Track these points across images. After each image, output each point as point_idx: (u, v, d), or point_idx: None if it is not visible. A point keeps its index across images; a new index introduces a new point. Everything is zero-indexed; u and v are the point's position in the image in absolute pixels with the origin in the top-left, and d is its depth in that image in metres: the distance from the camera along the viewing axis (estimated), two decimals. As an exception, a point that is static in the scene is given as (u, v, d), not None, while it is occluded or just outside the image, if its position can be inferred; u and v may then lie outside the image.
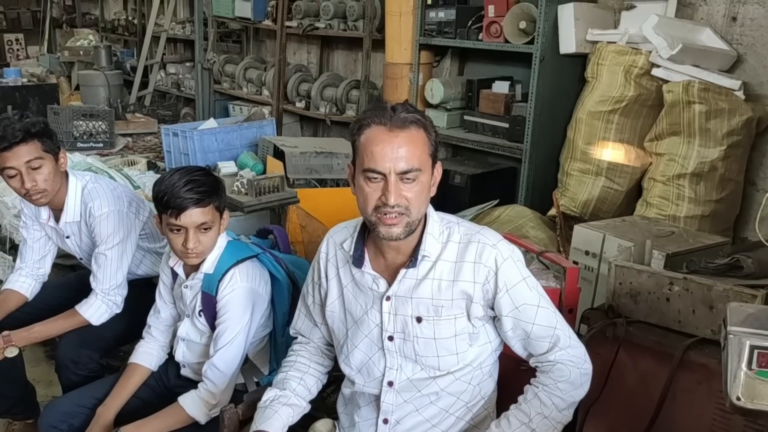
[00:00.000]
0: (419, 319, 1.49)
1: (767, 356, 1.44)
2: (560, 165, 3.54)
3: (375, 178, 1.38)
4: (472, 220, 3.35)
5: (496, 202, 3.46)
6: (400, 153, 1.37)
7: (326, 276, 1.61)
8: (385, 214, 1.39)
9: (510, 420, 1.49)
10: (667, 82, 3.17)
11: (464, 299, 1.47)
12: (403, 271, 1.48)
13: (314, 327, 1.69)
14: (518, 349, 1.55)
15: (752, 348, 1.44)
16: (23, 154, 2.04)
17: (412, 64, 4.07)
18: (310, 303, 1.68)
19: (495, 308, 1.49)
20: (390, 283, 1.51)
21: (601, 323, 2.01)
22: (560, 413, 1.50)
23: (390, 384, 1.53)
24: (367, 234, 1.53)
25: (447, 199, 3.84)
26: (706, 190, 3.08)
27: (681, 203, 3.13)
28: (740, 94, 3.07)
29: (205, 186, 1.77)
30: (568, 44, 3.46)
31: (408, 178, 1.38)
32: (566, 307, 2.05)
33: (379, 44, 4.46)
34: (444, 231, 1.50)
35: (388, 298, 1.50)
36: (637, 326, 2.00)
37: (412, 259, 1.48)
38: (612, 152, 3.35)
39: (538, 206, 3.54)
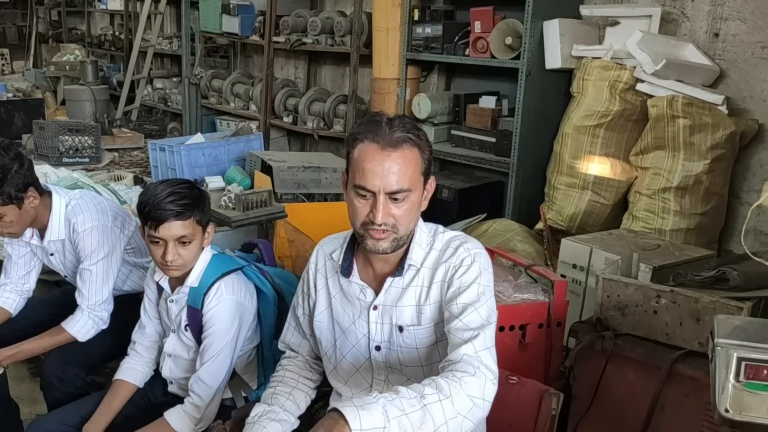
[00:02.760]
0: (401, 329, 1.49)
1: (755, 368, 1.45)
2: (547, 179, 3.57)
3: (364, 195, 1.39)
4: (460, 234, 3.36)
5: (484, 216, 3.48)
6: (390, 173, 1.36)
7: (315, 286, 1.62)
8: (372, 231, 1.40)
9: (399, 389, 1.26)
10: (651, 96, 3.21)
11: (438, 302, 1.47)
12: (389, 280, 1.49)
13: (303, 339, 1.69)
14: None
15: (740, 360, 1.45)
16: None
17: (399, 79, 4.10)
18: (300, 314, 1.67)
19: (443, 300, 1.46)
20: (377, 293, 1.51)
21: (589, 336, 2.01)
22: (454, 409, 1.25)
23: None
24: (356, 244, 1.54)
25: (435, 213, 3.80)
26: (691, 204, 3.11)
27: (666, 216, 3.15)
28: (723, 108, 3.11)
29: (187, 199, 1.76)
30: (553, 59, 3.49)
31: (397, 198, 1.38)
32: (554, 321, 2.07)
33: (366, 59, 4.48)
34: (429, 241, 1.51)
35: (375, 308, 1.51)
36: (625, 339, 2.01)
37: (398, 269, 1.48)
38: (598, 166, 3.38)
39: (525, 220, 3.56)
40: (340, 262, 1.55)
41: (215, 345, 1.82)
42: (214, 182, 3.43)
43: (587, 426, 2.06)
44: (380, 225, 1.38)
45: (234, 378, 1.95)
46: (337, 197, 3.52)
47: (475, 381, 1.29)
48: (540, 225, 3.40)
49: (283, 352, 1.74)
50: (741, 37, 3.18)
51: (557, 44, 3.45)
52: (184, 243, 1.78)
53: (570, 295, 2.62)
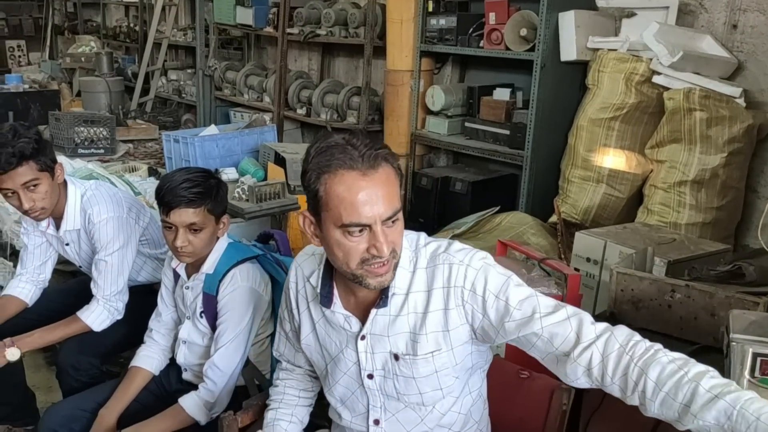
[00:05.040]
0: (396, 357, 1.37)
1: (770, 364, 1.44)
2: (561, 172, 3.54)
3: (358, 232, 1.22)
4: (472, 227, 3.36)
5: (497, 209, 3.46)
6: (381, 197, 1.21)
7: (297, 308, 1.50)
8: (375, 266, 1.25)
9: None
10: (667, 89, 3.18)
11: (440, 331, 1.33)
12: (373, 312, 1.35)
13: (297, 352, 1.59)
14: (543, 353, 1.30)
15: (755, 355, 1.44)
16: (19, 176, 2.02)
17: (413, 71, 4.08)
18: (287, 330, 1.57)
19: (490, 322, 1.31)
20: (363, 322, 1.38)
21: (602, 330, 2.00)
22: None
23: (376, 422, 1.45)
24: (333, 269, 1.38)
25: (448, 207, 3.85)
26: (707, 197, 3.08)
27: (682, 210, 3.12)
28: (741, 101, 3.07)
29: (200, 187, 1.78)
30: (569, 51, 3.46)
31: (392, 222, 1.24)
32: (568, 314, 2.05)
33: (380, 51, 4.47)
34: (412, 258, 1.35)
35: (363, 338, 1.38)
36: (640, 333, 2.00)
37: (382, 297, 1.33)
38: (613, 159, 3.35)
39: (539, 213, 3.54)
40: (318, 290, 1.40)
41: (230, 331, 1.84)
42: (227, 174, 3.44)
43: (599, 421, 2.05)
44: (384, 257, 1.24)
45: (248, 365, 1.96)
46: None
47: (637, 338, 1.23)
48: (554, 218, 3.39)
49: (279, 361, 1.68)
50: (760, 28, 3.14)
51: (572, 36, 3.42)
52: (194, 230, 1.80)
53: (583, 288, 2.60)
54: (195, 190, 1.77)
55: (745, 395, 1.08)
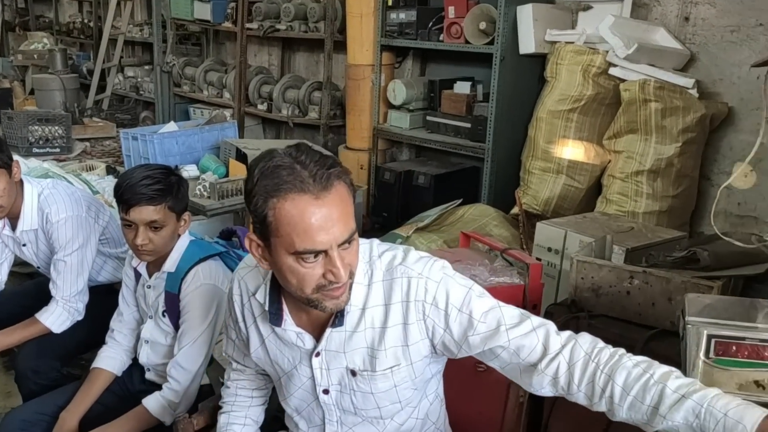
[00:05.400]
0: (354, 373, 1.32)
1: (724, 345, 1.48)
2: (522, 164, 3.59)
3: (312, 258, 1.16)
4: (435, 220, 3.38)
5: (460, 201, 3.49)
6: (336, 221, 1.14)
7: (244, 322, 1.42)
8: (332, 290, 1.19)
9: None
10: (623, 81, 3.24)
11: (399, 346, 1.29)
12: (328, 331, 1.30)
13: (246, 356, 1.50)
14: (505, 364, 1.28)
15: (710, 337, 1.48)
16: None
17: (374, 65, 4.08)
18: (233, 338, 1.50)
19: (452, 337, 1.27)
20: (317, 337, 1.32)
21: (564, 318, 2.04)
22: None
23: None
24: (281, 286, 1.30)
25: (411, 200, 3.87)
26: (663, 186, 3.16)
27: (639, 199, 3.20)
28: (694, 92, 3.15)
29: (161, 184, 1.76)
30: (527, 44, 3.51)
31: (348, 244, 1.18)
32: (530, 304, 2.08)
33: (340, 45, 4.46)
34: (367, 271, 1.29)
35: (317, 354, 1.33)
36: (599, 320, 2.04)
37: (337, 315, 1.27)
38: (572, 150, 3.41)
39: (501, 205, 3.58)
40: (266, 307, 1.32)
41: (193, 330, 1.82)
42: (188, 171, 3.39)
43: (563, 409, 2.09)
44: (342, 282, 1.18)
45: (212, 364, 1.94)
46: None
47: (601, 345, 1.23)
48: (515, 209, 3.44)
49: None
50: (711, 21, 3.22)
51: (531, 29, 3.47)
52: (155, 228, 1.77)
53: (545, 278, 2.64)
54: (155, 187, 1.75)
55: (711, 392, 1.10)
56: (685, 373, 1.48)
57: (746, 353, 1.46)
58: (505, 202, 3.60)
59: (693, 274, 1.95)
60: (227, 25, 5.39)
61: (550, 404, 2.10)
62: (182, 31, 6.34)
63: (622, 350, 1.22)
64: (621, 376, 1.16)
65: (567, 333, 1.27)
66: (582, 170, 3.41)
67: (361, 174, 4.09)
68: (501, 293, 2.05)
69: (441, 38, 3.78)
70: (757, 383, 1.42)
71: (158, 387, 1.88)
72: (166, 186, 1.77)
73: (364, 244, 1.32)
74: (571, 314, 2.05)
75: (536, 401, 2.06)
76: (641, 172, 3.17)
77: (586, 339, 1.25)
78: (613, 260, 2.30)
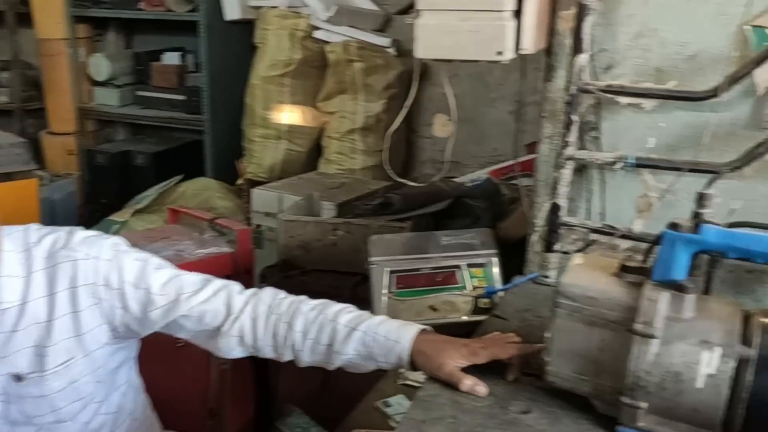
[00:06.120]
0: (19, 378, 1.18)
1: (404, 278, 1.60)
2: (243, 133, 3.55)
3: None
4: (156, 199, 3.20)
5: (180, 178, 3.35)
6: None
7: None
8: None
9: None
10: (328, 43, 3.33)
11: (71, 338, 1.18)
12: None
13: None
14: (192, 333, 1.25)
15: (391, 273, 1.58)
16: None
17: (69, 38, 3.70)
18: None
19: (133, 316, 1.21)
20: None
21: (276, 278, 2.06)
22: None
23: None
24: None
25: (130, 182, 3.62)
26: (375, 142, 3.33)
27: (356, 156, 3.34)
28: (392, 50, 3.34)
29: None
30: (232, 10, 3.44)
31: None
32: (242, 269, 2.06)
33: (26, 18, 3.96)
34: (22, 261, 1.16)
35: None
36: (311, 275, 2.09)
37: None
38: (290, 115, 3.43)
39: (227, 177, 3.51)
40: None
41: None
42: None
43: (288, 365, 2.12)
44: None
45: None
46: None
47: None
48: (242, 180, 3.40)
49: None
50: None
51: (234, -6, 3.40)
52: None
53: (267, 243, 2.66)
54: None
55: (376, 320, 1.16)
56: (372, 310, 1.57)
57: (422, 282, 1.58)
58: (232, 173, 3.53)
59: (387, 218, 2.08)
60: None
61: (277, 364, 2.12)
62: None
63: (303, 297, 1.24)
64: (299, 322, 1.18)
65: (251, 291, 1.26)
66: (301, 134, 3.46)
67: (70, 160, 3.72)
68: (209, 264, 2.01)
69: (140, 6, 3.54)
70: (432, 307, 1.55)
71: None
72: None
73: (15, 232, 1.19)
74: (284, 274, 2.08)
75: (260, 362, 2.07)
76: (354, 130, 3.31)
77: (268, 293, 1.25)
78: (325, 216, 2.37)
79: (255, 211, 2.63)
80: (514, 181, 2.49)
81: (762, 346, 0.90)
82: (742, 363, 0.90)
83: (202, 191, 3.19)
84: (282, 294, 1.25)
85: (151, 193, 3.18)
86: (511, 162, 2.88)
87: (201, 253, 2.03)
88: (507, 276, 1.59)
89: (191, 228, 2.23)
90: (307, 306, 1.21)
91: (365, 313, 1.20)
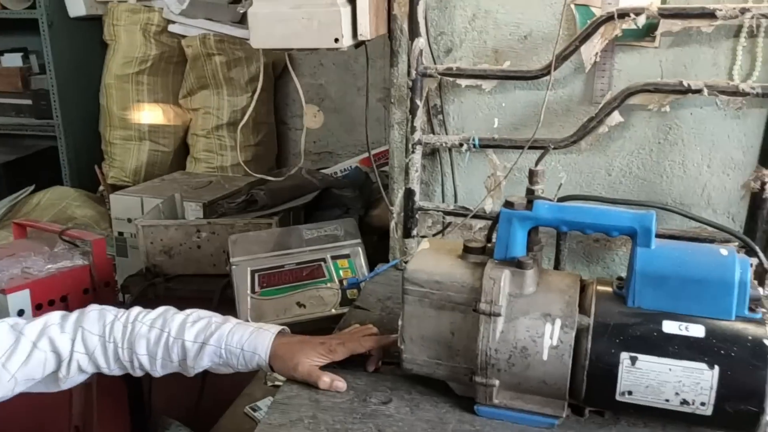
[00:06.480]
0: None
1: (268, 277, 1.55)
2: (101, 135, 3.34)
3: None
4: (6, 213, 2.95)
5: (32, 188, 3.11)
6: None
7: None
8: None
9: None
10: (185, 37, 3.19)
11: None
12: None
13: None
14: (30, 390, 1.15)
15: (253, 273, 1.54)
16: None
17: None
18: None
19: None
20: None
21: (140, 287, 1.95)
22: None
23: None
24: None
25: (-23, 197, 3.33)
26: (243, 137, 3.23)
27: (225, 153, 3.23)
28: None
29: None
30: (76, 7, 3.21)
31: None
32: (100, 282, 1.94)
33: None
34: None
35: None
36: (177, 280, 2.00)
37: None
38: (150, 114, 3.27)
39: (88, 184, 3.30)
40: None
41: None
42: None
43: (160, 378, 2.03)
44: None
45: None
46: None
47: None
48: (103, 186, 3.21)
49: None
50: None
51: (76, -11, 3.18)
52: None
53: (132, 250, 2.52)
54: None
55: (226, 329, 1.11)
56: (238, 312, 1.52)
57: (287, 279, 1.55)
58: (92, 179, 3.32)
59: (254, 215, 2.02)
60: None
61: (149, 377, 2.02)
62: None
63: (135, 312, 1.16)
64: (141, 346, 1.12)
65: (73, 318, 1.14)
66: (165, 133, 3.31)
67: None
68: (63, 279, 1.87)
69: (-29, 5, 3.23)
70: (299, 303, 1.52)
71: None
72: None
73: None
74: (147, 282, 1.97)
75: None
76: (221, 126, 3.20)
77: (91, 319, 1.14)
78: (191, 217, 2.28)
79: (116, 218, 2.49)
80: (384, 168, 2.50)
81: (597, 314, 0.93)
82: (580, 332, 0.94)
83: (58, 201, 2.97)
84: (109, 315, 1.15)
85: (1, 206, 2.93)
86: (380, 149, 2.88)
87: (52, 268, 1.88)
88: (378, 264, 1.58)
89: (41, 242, 2.07)
90: (144, 326, 1.13)
91: (212, 320, 1.14)
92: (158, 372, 1.15)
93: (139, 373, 1.16)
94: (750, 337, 0.87)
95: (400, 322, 1.03)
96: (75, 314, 1.15)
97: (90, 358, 1.12)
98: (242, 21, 3.36)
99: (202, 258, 2.01)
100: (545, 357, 0.94)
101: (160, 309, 1.16)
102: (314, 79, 3.41)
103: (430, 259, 1.02)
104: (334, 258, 1.57)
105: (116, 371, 1.15)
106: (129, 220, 2.46)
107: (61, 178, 3.45)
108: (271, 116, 3.40)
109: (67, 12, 3.22)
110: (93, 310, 1.16)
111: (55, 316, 1.14)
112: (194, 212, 2.33)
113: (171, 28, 3.18)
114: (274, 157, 3.48)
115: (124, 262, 2.47)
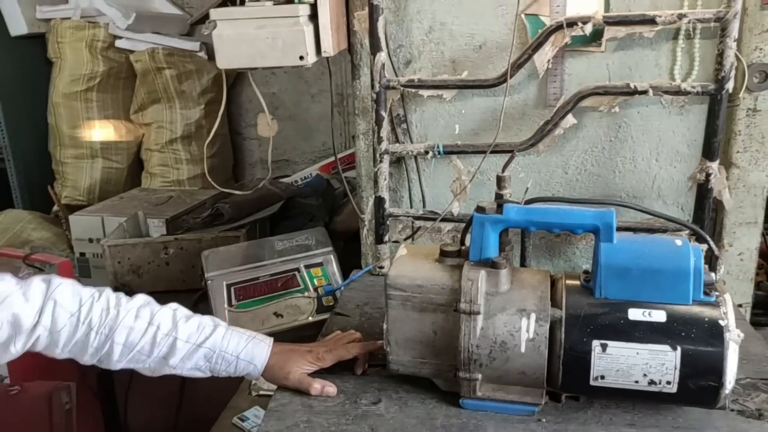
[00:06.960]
0: None
1: (243, 289, 1.58)
2: (52, 155, 3.28)
3: None
4: (-42, 240, 2.88)
5: (-19, 213, 3.04)
6: None
7: None
8: None
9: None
10: (132, 52, 3.17)
11: None
12: None
13: None
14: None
15: (229, 286, 1.57)
16: None
17: None
18: None
19: None
20: None
21: (109, 309, 1.95)
22: None
23: None
24: None
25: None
26: (198, 149, 3.23)
27: (180, 167, 3.22)
28: (203, 54, 3.24)
29: None
30: (17, 26, 3.15)
31: None
32: (69, 305, 1.93)
33: None
34: None
35: None
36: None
37: None
38: (101, 131, 3.24)
39: (42, 205, 3.23)
40: None
41: None
42: None
43: (136, 395, 2.03)
44: None
45: None
46: None
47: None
48: (57, 207, 3.15)
49: None
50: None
51: (17, 8, 3.10)
52: None
53: (97, 271, 2.50)
54: None
55: (220, 334, 1.11)
56: (216, 327, 1.54)
57: (263, 290, 1.58)
58: (46, 201, 3.26)
59: (220, 229, 2.04)
60: None
61: (123, 393, 2.02)
62: None
63: (113, 297, 1.10)
64: (121, 334, 1.06)
65: (39, 292, 1.04)
66: (118, 149, 3.27)
67: None
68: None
69: None
70: (276, 314, 1.55)
71: None
72: None
73: None
74: (117, 302, 1.97)
75: (107, 387, 1.97)
76: (175, 139, 3.19)
77: (67, 296, 1.06)
78: (154, 234, 2.28)
79: (77, 239, 2.46)
80: (346, 174, 2.55)
81: (568, 306, 1.01)
82: (554, 324, 1.01)
83: (12, 225, 2.91)
84: (85, 293, 1.08)
85: (-51, 235, 2.85)
86: (338, 155, 2.92)
87: (19, 295, 1.87)
88: (350, 268, 1.62)
89: (5, 268, 2.04)
90: (129, 315, 1.08)
91: (204, 324, 1.12)
92: (117, 365, 1.08)
93: (89, 362, 1.09)
94: (707, 319, 0.95)
95: (384, 326, 1.08)
96: (41, 284, 1.05)
97: (51, 336, 1.04)
98: (191, 33, 3.36)
99: (172, 274, 2.02)
100: (523, 349, 1.01)
101: (141, 297, 1.12)
102: (267, 87, 3.43)
103: (409, 265, 1.08)
104: (307, 267, 1.61)
105: (64, 356, 1.08)
106: (90, 240, 2.44)
107: (12, 200, 3.38)
108: (225, 127, 3.40)
109: (8, 31, 3.15)
110: (65, 283, 1.07)
111: (10, 281, 1.04)
112: (157, 229, 2.33)
113: (118, 43, 3.15)
114: (231, 168, 3.48)
115: (88, 283, 2.42)
